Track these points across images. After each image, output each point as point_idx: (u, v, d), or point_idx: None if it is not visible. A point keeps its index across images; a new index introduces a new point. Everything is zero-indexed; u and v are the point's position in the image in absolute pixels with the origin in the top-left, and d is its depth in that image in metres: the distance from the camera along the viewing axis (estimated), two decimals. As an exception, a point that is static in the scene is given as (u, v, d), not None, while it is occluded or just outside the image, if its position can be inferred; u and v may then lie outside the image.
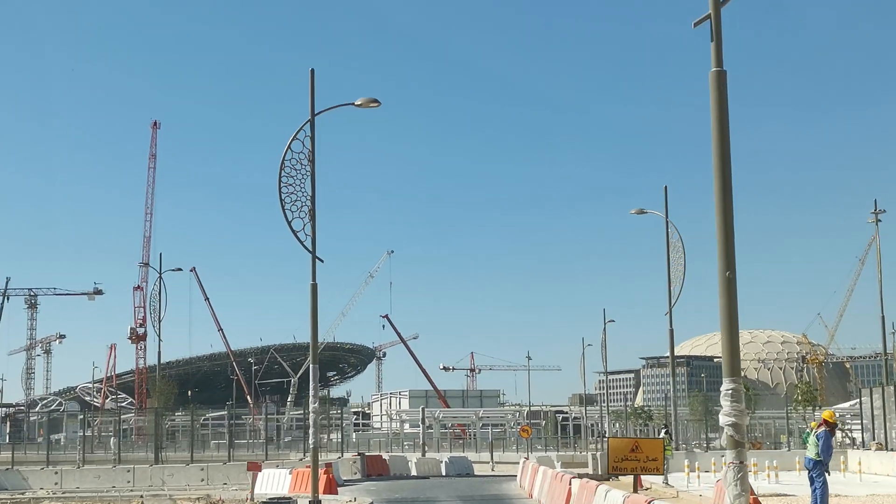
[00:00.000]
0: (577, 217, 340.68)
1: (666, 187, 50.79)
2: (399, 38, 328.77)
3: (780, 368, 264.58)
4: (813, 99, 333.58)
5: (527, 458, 43.24)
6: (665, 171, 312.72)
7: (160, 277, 70.74)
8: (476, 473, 55.04)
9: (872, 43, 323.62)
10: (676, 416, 60.49)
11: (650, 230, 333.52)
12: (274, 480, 38.70)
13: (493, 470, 76.75)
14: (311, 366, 33.29)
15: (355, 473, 45.82)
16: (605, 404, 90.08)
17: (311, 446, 32.77)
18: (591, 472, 44.95)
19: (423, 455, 59.14)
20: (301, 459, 48.62)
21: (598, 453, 46.23)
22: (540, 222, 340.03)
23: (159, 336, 71.67)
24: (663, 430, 37.05)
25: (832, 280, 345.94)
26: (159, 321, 71.69)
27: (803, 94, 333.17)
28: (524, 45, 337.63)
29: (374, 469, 46.71)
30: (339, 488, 40.03)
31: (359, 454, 46.57)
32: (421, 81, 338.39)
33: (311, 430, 32.95)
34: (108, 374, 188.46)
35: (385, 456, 49.18)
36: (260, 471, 37.95)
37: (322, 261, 33.50)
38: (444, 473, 51.40)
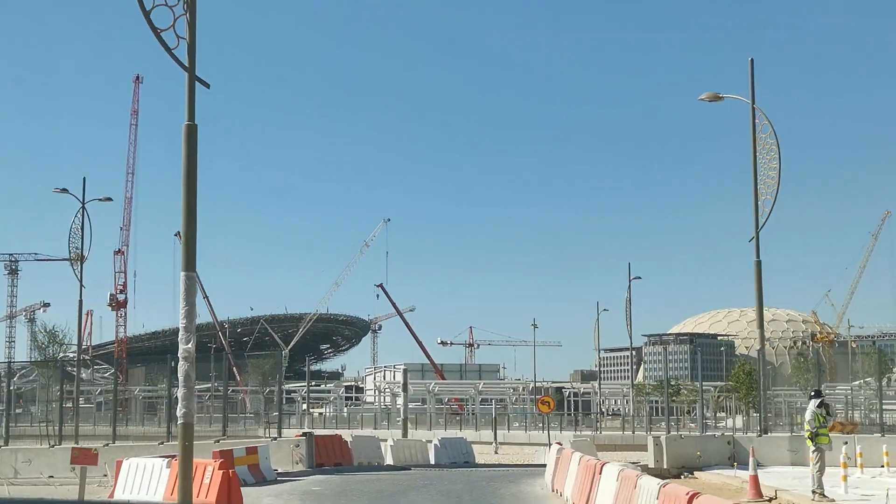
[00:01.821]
0: (578, 192, 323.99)
1: (752, 60, 34.35)
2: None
3: (785, 347, 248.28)
4: (822, 75, 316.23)
5: (559, 445, 26.53)
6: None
7: (83, 207, 54.28)
8: (477, 462, 38.83)
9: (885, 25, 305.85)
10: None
11: (655, 225, 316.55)
12: (145, 477, 22.32)
13: (496, 453, 60.32)
14: (181, 274, 17.08)
15: (298, 462, 29.28)
16: (631, 378, 73.57)
17: (180, 421, 16.64)
18: (652, 465, 28.71)
19: (405, 435, 42.22)
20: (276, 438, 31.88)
21: (664, 437, 29.70)
22: (541, 196, 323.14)
23: (81, 281, 55.32)
24: (815, 402, 20.13)
25: (839, 259, 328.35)
26: (81, 262, 55.28)
27: (812, 70, 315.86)
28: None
29: (327, 455, 30.18)
30: (259, 488, 23.84)
31: (304, 434, 29.96)
32: (413, 44, 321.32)
33: (180, 391, 17.14)
34: (85, 344, 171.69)
35: (348, 436, 32.41)
36: (94, 464, 21.64)
37: (207, 86, 17.55)
38: (432, 462, 35.14)
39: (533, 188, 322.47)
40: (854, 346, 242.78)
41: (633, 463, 28.63)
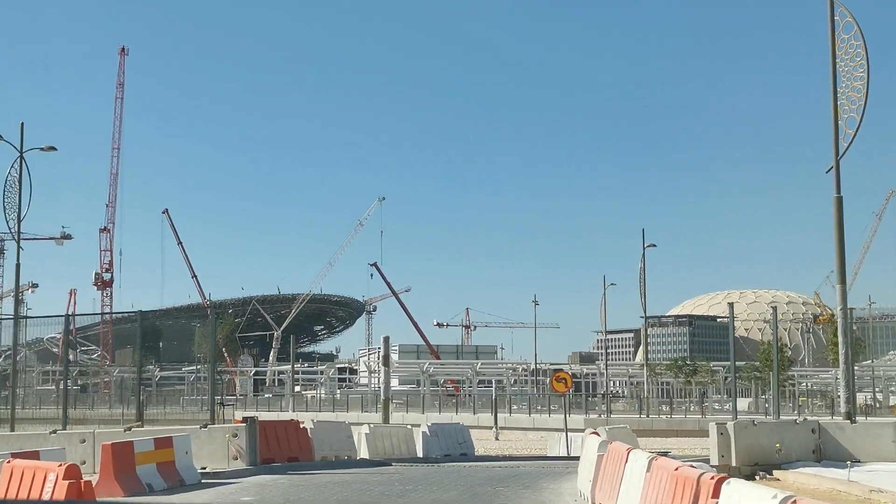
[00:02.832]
0: (576, 169, 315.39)
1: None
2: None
3: (786, 329, 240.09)
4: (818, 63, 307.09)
5: (596, 435, 18.13)
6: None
7: (21, 157, 45.89)
8: (477, 453, 30.75)
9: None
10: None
11: (653, 208, 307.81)
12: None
13: (497, 439, 52.26)
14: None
15: (237, 458, 21.07)
16: (645, 355, 65.22)
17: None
18: (716, 461, 20.68)
19: (386, 420, 33.68)
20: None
21: (731, 423, 21.51)
22: (538, 178, 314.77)
23: (19, 243, 46.93)
24: None
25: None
26: (18, 221, 46.90)
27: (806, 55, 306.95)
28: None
29: (279, 448, 21.77)
30: (164, 498, 15.83)
31: (245, 420, 21.57)
32: (407, 23, 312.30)
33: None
34: (69, 325, 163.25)
35: (309, 422, 23.94)
36: None
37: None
38: (420, 454, 27.06)
39: (530, 169, 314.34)
40: (855, 327, 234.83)
41: (695, 459, 20.57)
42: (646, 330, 67.26)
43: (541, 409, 61.75)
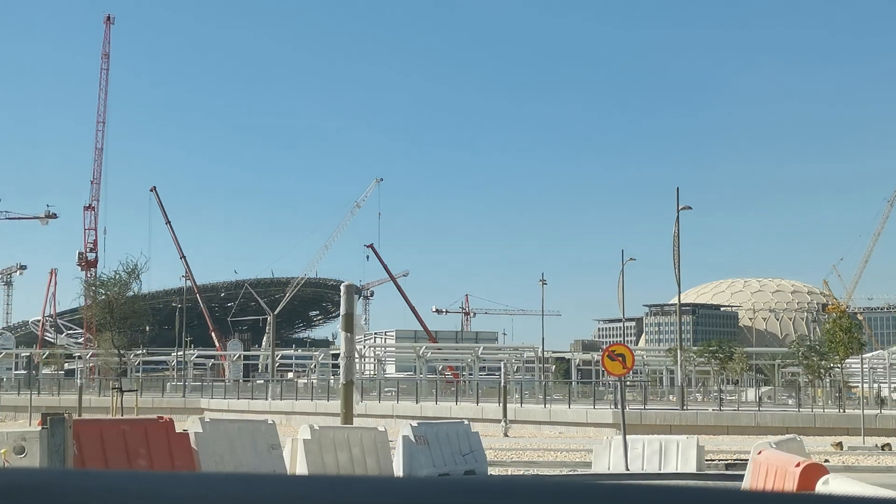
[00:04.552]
0: (579, 155, 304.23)
1: None
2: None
3: (790, 319, 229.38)
4: (828, 45, 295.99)
5: (774, 448, 7.34)
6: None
7: None
8: (492, 459, 19.88)
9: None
10: None
11: (653, 198, 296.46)
12: None
13: (506, 435, 41.26)
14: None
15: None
16: (678, 339, 54.33)
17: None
18: None
19: (348, 417, 21.41)
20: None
21: None
22: (539, 160, 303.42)
23: None
24: None
25: (848, 230, 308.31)
26: None
27: (819, 38, 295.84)
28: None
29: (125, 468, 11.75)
30: None
31: (44, 420, 10.96)
32: (414, 14, 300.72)
33: None
34: (51, 306, 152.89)
35: (196, 423, 12.94)
36: None
37: None
38: (401, 471, 16.14)
39: (529, 155, 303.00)
40: (861, 318, 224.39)
41: None
42: (679, 309, 55.77)
43: (557, 399, 50.95)
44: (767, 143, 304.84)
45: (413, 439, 15.90)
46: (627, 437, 20.00)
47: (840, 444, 33.98)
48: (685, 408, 45.32)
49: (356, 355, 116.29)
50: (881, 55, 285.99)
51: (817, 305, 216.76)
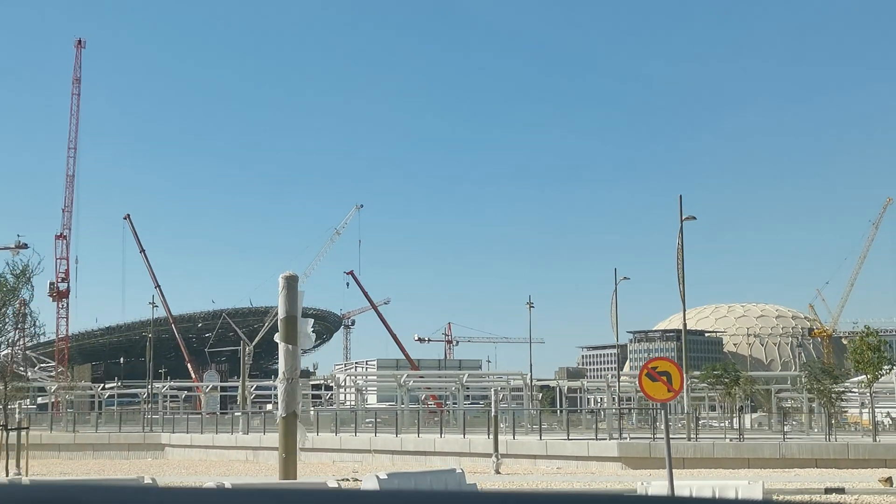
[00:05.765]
0: (561, 184, 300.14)
1: None
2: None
3: (775, 344, 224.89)
4: (813, 66, 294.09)
5: None
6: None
7: None
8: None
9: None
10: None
11: (637, 225, 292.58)
12: None
13: (497, 472, 35.74)
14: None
15: None
16: (684, 359, 49.12)
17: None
18: None
19: (290, 460, 15.77)
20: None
21: None
22: (522, 188, 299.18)
23: None
24: None
25: (830, 254, 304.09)
26: None
27: (805, 60, 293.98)
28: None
29: None
30: None
31: None
32: (403, 34, 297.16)
33: None
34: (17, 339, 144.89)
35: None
36: None
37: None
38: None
39: (512, 182, 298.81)
40: (845, 342, 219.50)
41: None
42: (684, 322, 50.90)
43: (556, 427, 45.62)
44: (751, 167, 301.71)
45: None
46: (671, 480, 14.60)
47: (889, 480, 28.69)
48: (696, 439, 39.94)
49: (333, 384, 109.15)
50: (868, 83, 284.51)
51: (802, 330, 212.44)
